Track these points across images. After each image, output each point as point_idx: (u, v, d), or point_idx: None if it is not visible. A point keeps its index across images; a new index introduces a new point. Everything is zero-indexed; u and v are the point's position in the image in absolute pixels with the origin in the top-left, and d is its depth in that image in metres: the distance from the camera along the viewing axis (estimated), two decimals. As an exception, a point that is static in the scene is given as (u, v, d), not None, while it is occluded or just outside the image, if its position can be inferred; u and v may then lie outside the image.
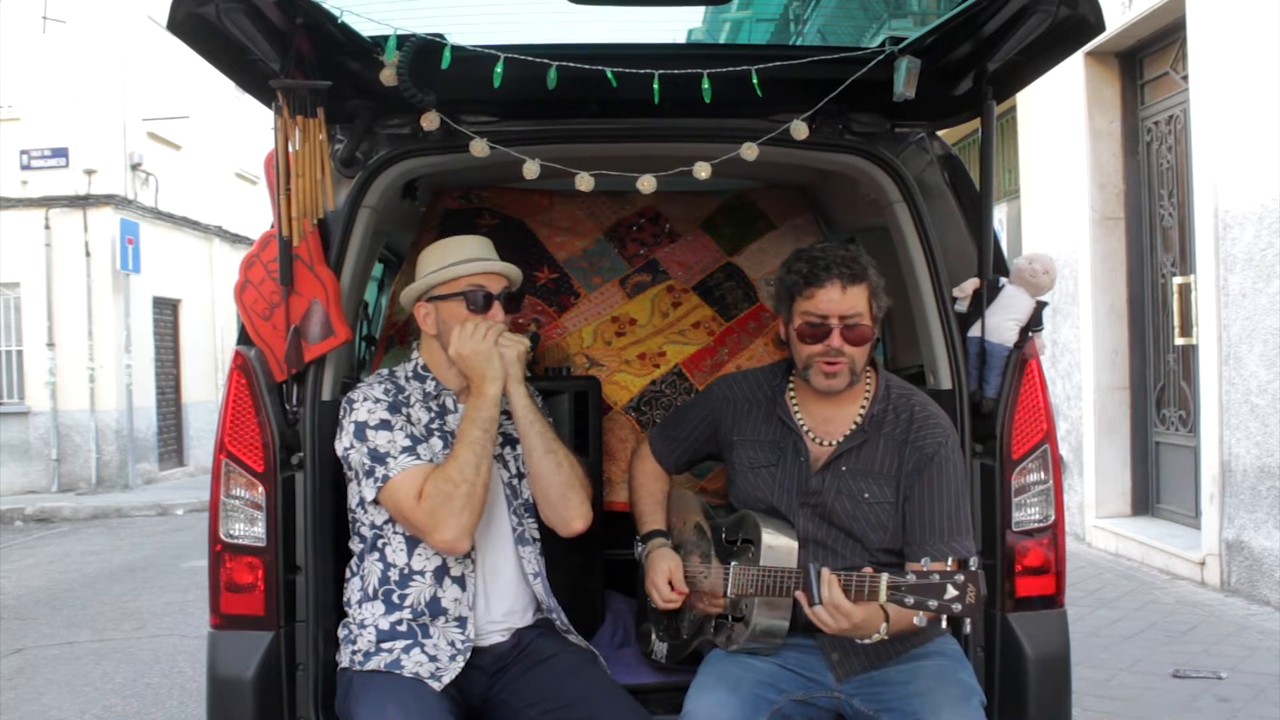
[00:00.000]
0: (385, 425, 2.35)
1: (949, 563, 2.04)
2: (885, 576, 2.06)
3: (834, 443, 2.41)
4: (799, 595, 2.16)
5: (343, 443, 2.38)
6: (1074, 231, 7.87)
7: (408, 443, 2.34)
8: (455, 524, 2.26)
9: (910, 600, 2.02)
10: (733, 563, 2.37)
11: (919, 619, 2.04)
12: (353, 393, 2.44)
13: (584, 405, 3.13)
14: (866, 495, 2.35)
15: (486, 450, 2.31)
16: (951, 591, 1.99)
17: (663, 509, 2.64)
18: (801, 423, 2.45)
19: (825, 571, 2.11)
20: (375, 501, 2.34)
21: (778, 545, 2.33)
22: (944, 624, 2.04)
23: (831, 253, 2.37)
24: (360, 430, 2.35)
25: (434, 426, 2.45)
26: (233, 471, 2.40)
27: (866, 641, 2.17)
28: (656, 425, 2.76)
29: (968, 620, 2.04)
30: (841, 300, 2.32)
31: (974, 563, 2.03)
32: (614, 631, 3.12)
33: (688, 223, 3.75)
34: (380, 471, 2.31)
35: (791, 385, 2.49)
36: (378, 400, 2.39)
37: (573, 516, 2.48)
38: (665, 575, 2.47)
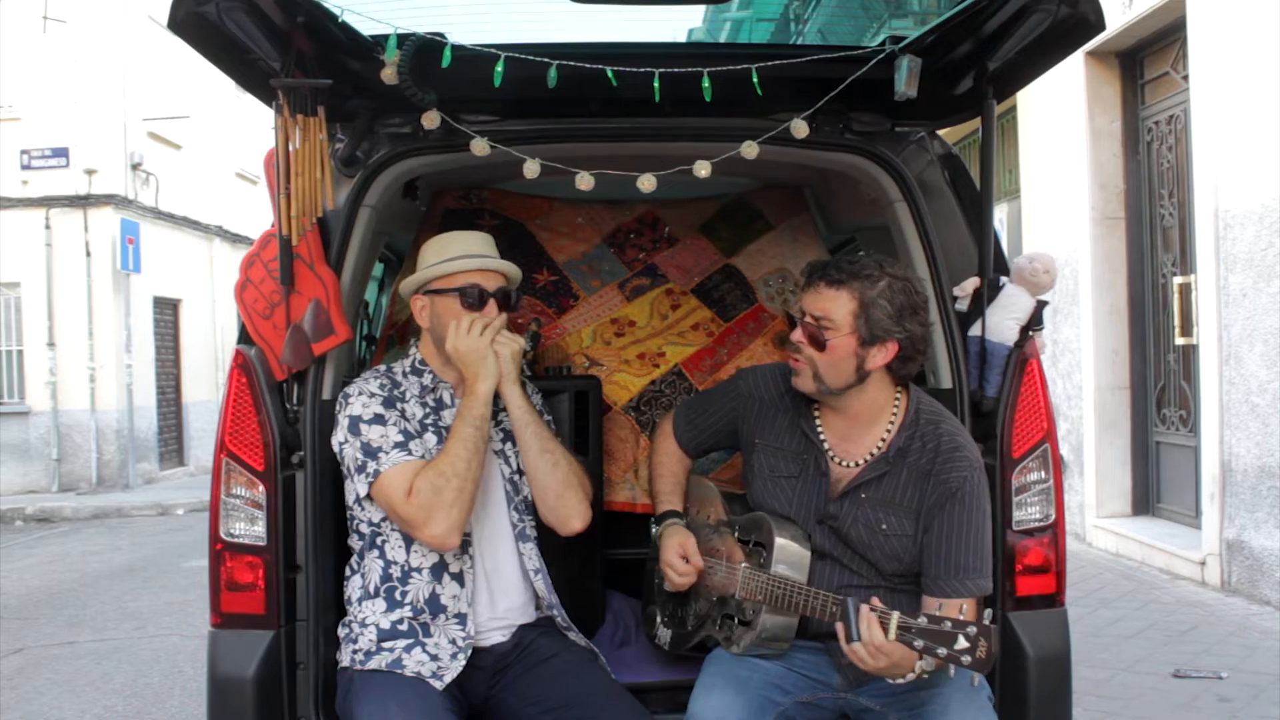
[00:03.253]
0: (379, 420, 2.35)
1: (963, 609, 2.00)
2: (896, 616, 2.01)
3: (856, 463, 2.34)
4: (838, 628, 2.09)
5: (337, 437, 2.38)
6: (1074, 231, 7.87)
7: (400, 438, 2.34)
8: (445, 519, 2.25)
9: (919, 644, 1.97)
10: (743, 564, 2.35)
11: (924, 662, 1.99)
12: (348, 387, 2.44)
13: (584, 405, 3.12)
14: (884, 526, 2.29)
15: (478, 447, 2.31)
16: (963, 643, 1.93)
17: (680, 490, 2.60)
18: (824, 439, 2.37)
19: (864, 609, 2.04)
20: (369, 497, 2.34)
21: (790, 554, 2.30)
22: (951, 672, 1.99)
23: (843, 260, 2.33)
24: (354, 425, 2.35)
25: (429, 422, 2.45)
26: (233, 470, 2.40)
27: (900, 681, 2.09)
28: (682, 404, 2.68)
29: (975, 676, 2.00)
30: (816, 300, 2.27)
31: (988, 615, 1.98)
32: (615, 631, 3.12)
33: (686, 227, 3.75)
34: (372, 466, 2.31)
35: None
36: (372, 395, 2.39)
37: (570, 516, 2.47)
38: (678, 550, 2.43)
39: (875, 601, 2.07)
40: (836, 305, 2.24)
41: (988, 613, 2.00)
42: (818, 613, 2.20)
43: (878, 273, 2.25)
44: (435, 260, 2.48)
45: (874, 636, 2.01)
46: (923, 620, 1.99)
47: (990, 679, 2.43)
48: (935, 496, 2.26)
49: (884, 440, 2.33)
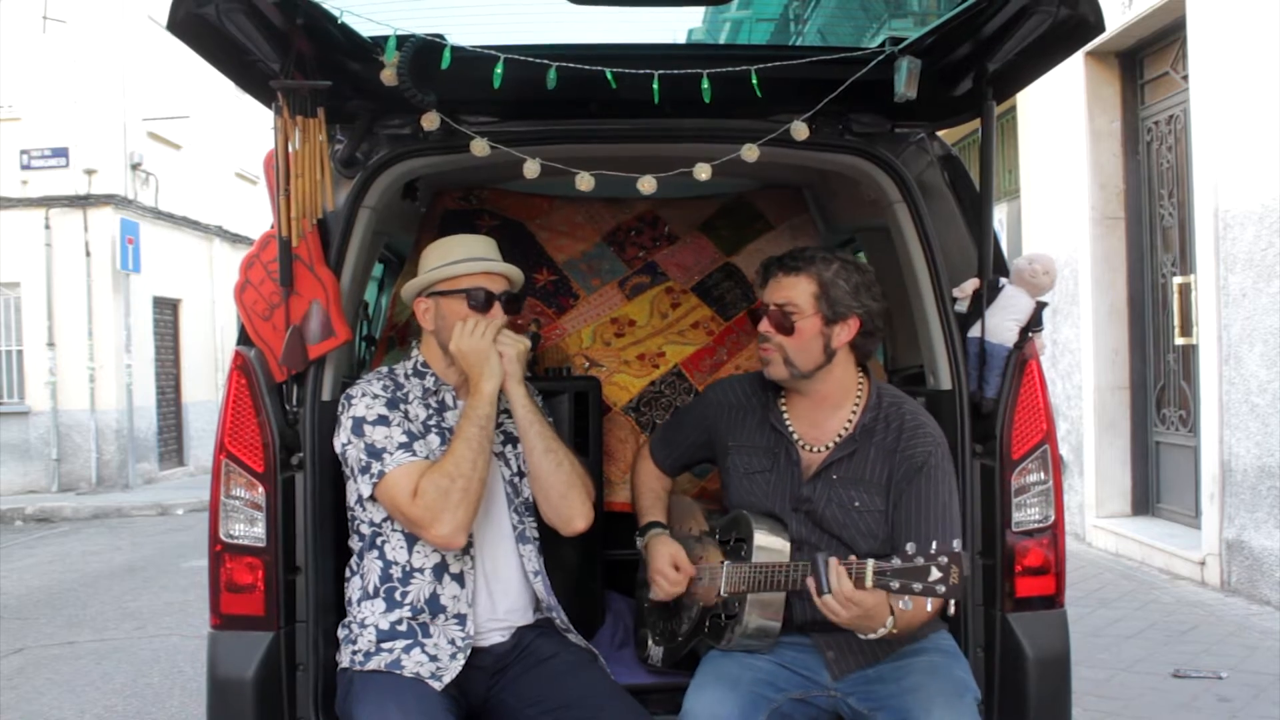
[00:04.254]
0: (383, 421, 2.36)
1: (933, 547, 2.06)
2: (871, 562, 2.07)
3: (824, 448, 2.42)
4: (809, 583, 2.15)
5: (340, 438, 2.39)
6: (1074, 231, 7.88)
7: (404, 439, 2.34)
8: (451, 519, 2.26)
9: (895, 585, 2.03)
10: (726, 562, 2.37)
11: (903, 603, 2.04)
12: (351, 389, 2.45)
13: (584, 405, 3.13)
14: (857, 504, 2.36)
15: (483, 447, 2.32)
16: (935, 574, 2.00)
17: (662, 504, 2.65)
18: (792, 429, 2.45)
19: (833, 561, 2.11)
20: (372, 498, 2.35)
21: (769, 544, 2.33)
22: (929, 606, 2.03)
23: (794, 251, 2.45)
24: (358, 426, 2.35)
25: (431, 423, 2.45)
26: (233, 471, 2.40)
27: (872, 637, 2.16)
28: (658, 428, 2.77)
29: (952, 603, 2.04)
30: (777, 290, 2.40)
31: (957, 544, 2.04)
32: (614, 631, 3.12)
33: (686, 225, 3.75)
34: (376, 467, 2.32)
35: (783, 391, 2.49)
36: (376, 396, 2.39)
37: (574, 515, 2.48)
38: (668, 560, 2.47)
39: (852, 558, 2.12)
40: (797, 290, 2.37)
41: (956, 542, 2.06)
42: (800, 583, 2.22)
43: (829, 256, 2.41)
44: (439, 263, 2.49)
45: (844, 587, 2.08)
46: (896, 562, 2.05)
47: (988, 681, 2.44)
48: (903, 472, 2.35)
49: (850, 422, 2.42)
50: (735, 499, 2.48)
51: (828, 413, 2.43)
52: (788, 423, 2.46)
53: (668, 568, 2.47)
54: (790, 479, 2.42)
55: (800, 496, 2.39)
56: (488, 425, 2.35)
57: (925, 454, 2.34)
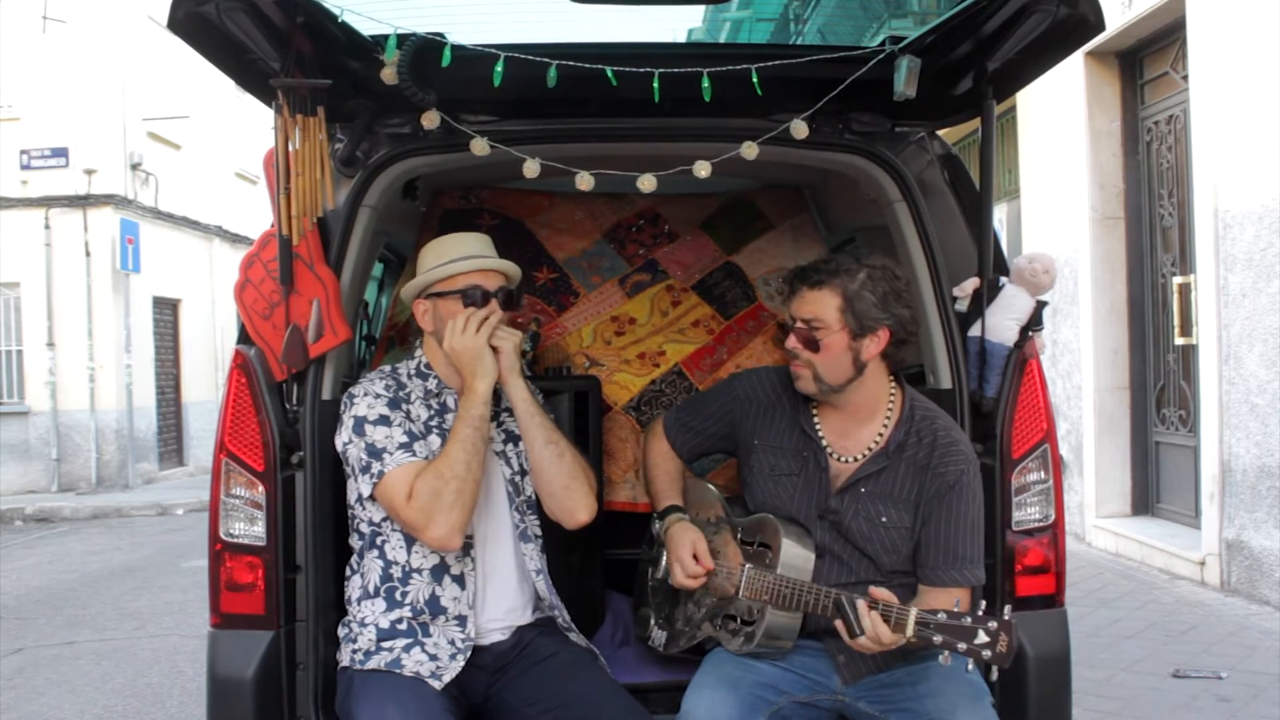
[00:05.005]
0: (384, 421, 2.35)
1: (958, 600, 2.04)
2: (914, 612, 2.04)
3: (854, 459, 2.38)
4: (838, 625, 2.13)
5: (342, 437, 2.38)
6: (1074, 231, 7.88)
7: (405, 439, 2.34)
8: (445, 521, 2.25)
9: (938, 639, 2.00)
10: (748, 565, 2.35)
11: (944, 658, 2.03)
12: (354, 388, 2.44)
13: (584, 405, 3.13)
14: (884, 519, 2.32)
15: (478, 448, 2.31)
16: (983, 637, 1.97)
17: (678, 487, 2.59)
18: (822, 436, 2.41)
19: (862, 604, 2.09)
20: (372, 497, 2.35)
21: (795, 555, 2.31)
22: (969, 665, 2.01)
23: (820, 262, 2.40)
24: (359, 425, 2.35)
25: (433, 424, 2.45)
26: (233, 471, 2.40)
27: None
28: (674, 408, 2.70)
29: (995, 669, 2.02)
30: (802, 305, 2.34)
31: (1008, 612, 2.00)
32: (614, 631, 3.12)
33: (687, 223, 3.75)
34: (376, 467, 2.31)
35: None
36: (378, 396, 2.39)
37: (577, 508, 2.46)
38: (689, 549, 2.43)
39: (885, 595, 2.09)
40: (822, 305, 2.31)
41: (1007, 609, 2.03)
42: (825, 610, 2.20)
43: (855, 266, 2.32)
44: (435, 263, 2.48)
45: (880, 634, 2.06)
46: (941, 616, 2.02)
47: (991, 681, 2.44)
48: (934, 489, 2.31)
49: (881, 435, 2.37)
50: (759, 499, 2.44)
51: (859, 424, 2.39)
52: (819, 429, 2.41)
53: (688, 557, 2.41)
54: (818, 487, 2.38)
55: (828, 507, 2.36)
56: (482, 426, 2.33)
57: (958, 473, 2.31)
